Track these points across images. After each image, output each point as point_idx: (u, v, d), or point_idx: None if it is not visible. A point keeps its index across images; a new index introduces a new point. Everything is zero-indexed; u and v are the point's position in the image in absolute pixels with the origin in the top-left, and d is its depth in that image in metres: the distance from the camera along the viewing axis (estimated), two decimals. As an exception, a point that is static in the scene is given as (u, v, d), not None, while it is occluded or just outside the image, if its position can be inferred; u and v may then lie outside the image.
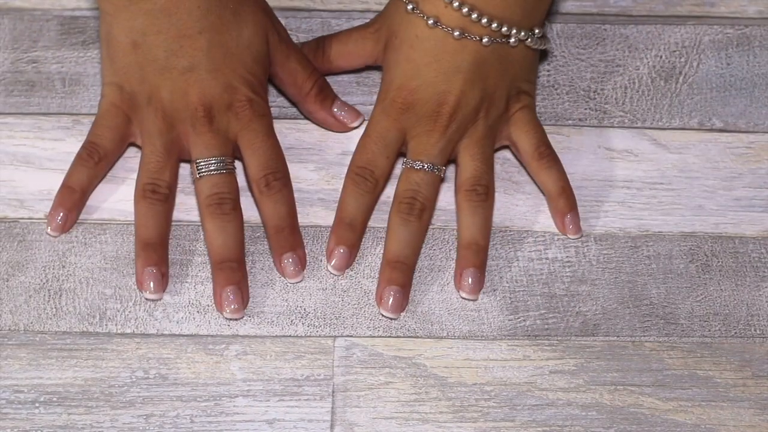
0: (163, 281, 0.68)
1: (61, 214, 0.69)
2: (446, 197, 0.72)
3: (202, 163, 0.69)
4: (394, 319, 0.68)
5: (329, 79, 0.75)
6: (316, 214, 0.72)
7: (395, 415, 0.67)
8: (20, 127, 0.73)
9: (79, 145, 0.72)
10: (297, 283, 0.69)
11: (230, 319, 0.68)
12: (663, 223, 0.72)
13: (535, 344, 0.69)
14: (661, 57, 0.76)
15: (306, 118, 0.74)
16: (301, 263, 0.69)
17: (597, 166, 0.73)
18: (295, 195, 0.71)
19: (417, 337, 0.69)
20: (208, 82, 0.68)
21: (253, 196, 0.70)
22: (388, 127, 0.70)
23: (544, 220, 0.72)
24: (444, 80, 0.69)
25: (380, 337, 0.69)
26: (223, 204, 0.68)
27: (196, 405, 0.67)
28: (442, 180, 0.70)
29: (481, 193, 0.69)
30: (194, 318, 0.69)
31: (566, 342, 0.69)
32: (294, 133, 0.74)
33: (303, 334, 0.69)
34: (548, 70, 0.75)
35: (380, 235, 0.71)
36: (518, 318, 0.70)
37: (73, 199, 0.70)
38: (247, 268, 0.70)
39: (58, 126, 0.73)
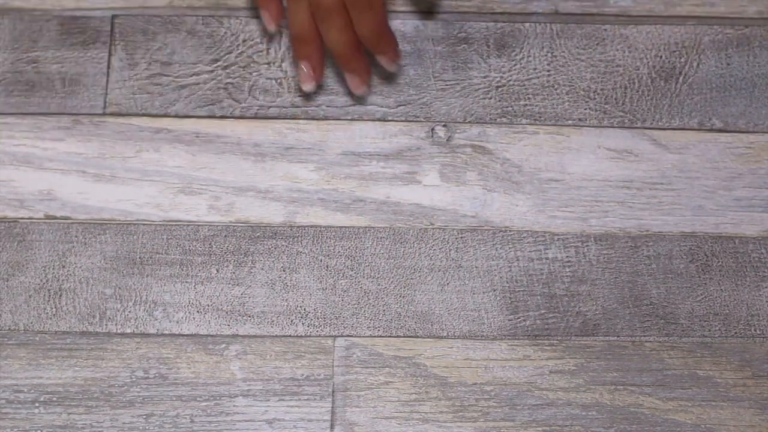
0: (315, 75, 0.71)
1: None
2: (445, 197, 0.72)
3: None
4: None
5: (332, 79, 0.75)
6: (316, 214, 0.72)
7: (395, 415, 0.67)
8: (20, 127, 0.73)
9: (79, 144, 0.72)
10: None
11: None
12: (663, 223, 0.72)
13: (535, 344, 0.69)
14: (661, 57, 0.76)
15: (305, 117, 0.74)
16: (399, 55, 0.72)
17: (597, 166, 0.73)
18: (295, 195, 0.71)
19: (417, 337, 0.69)
20: None
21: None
22: None
23: (544, 220, 0.72)
24: None
25: (380, 337, 0.69)
26: None
27: (196, 405, 0.67)
28: None
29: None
30: (194, 318, 0.69)
31: (566, 342, 0.69)
32: (294, 133, 0.74)
33: (303, 334, 0.69)
34: (548, 70, 0.75)
35: (380, 235, 0.71)
36: (518, 318, 0.70)
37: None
38: (247, 268, 0.70)
39: (58, 126, 0.73)
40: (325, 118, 0.74)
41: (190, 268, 0.70)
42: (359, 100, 0.74)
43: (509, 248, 0.71)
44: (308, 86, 0.72)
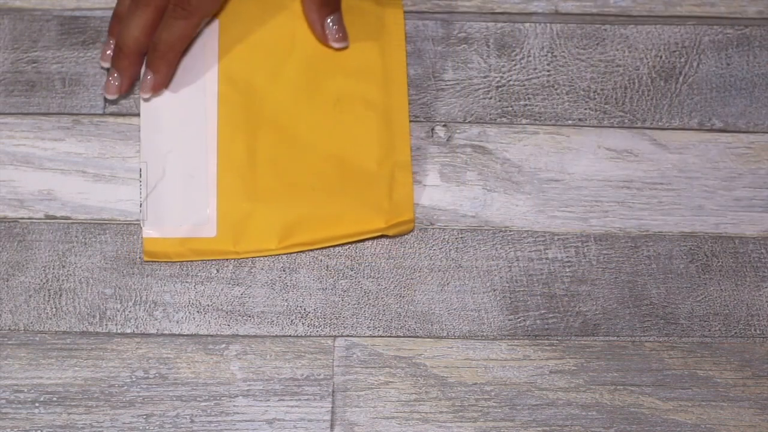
0: (119, 87, 0.71)
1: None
2: (445, 197, 0.72)
3: None
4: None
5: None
6: (316, 214, 0.72)
7: (395, 415, 0.67)
8: (20, 127, 0.73)
9: (79, 145, 0.72)
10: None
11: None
12: (663, 223, 0.72)
13: (535, 344, 0.69)
14: (661, 57, 0.76)
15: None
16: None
17: (597, 166, 0.73)
18: (295, 195, 0.71)
19: (417, 337, 0.69)
20: None
21: None
22: None
23: (544, 220, 0.72)
24: None
25: (380, 337, 0.69)
26: None
27: (196, 405, 0.67)
28: None
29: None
30: (194, 318, 0.69)
31: (566, 342, 0.69)
32: (294, 133, 0.74)
33: (303, 334, 0.69)
34: (548, 70, 0.75)
35: (380, 235, 0.71)
36: (518, 318, 0.70)
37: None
38: (247, 268, 0.70)
39: (58, 126, 0.73)
40: (325, 118, 0.74)
41: (190, 268, 0.70)
42: None
43: (509, 248, 0.71)
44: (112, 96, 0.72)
